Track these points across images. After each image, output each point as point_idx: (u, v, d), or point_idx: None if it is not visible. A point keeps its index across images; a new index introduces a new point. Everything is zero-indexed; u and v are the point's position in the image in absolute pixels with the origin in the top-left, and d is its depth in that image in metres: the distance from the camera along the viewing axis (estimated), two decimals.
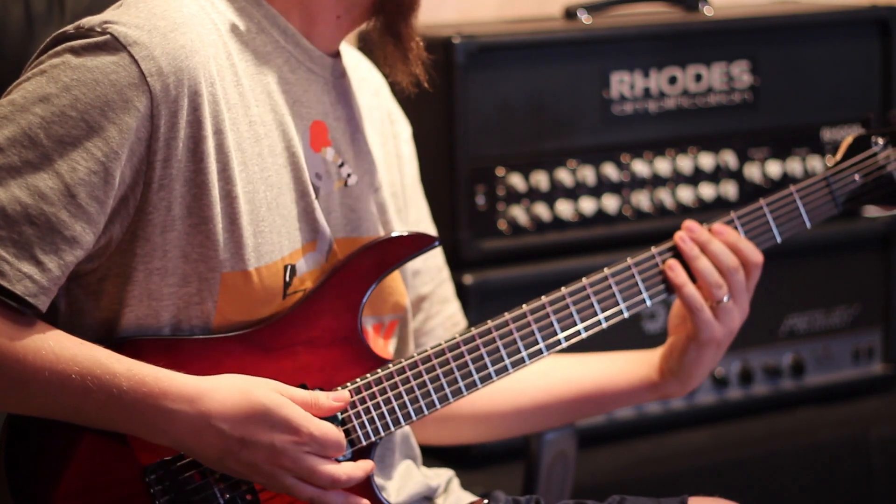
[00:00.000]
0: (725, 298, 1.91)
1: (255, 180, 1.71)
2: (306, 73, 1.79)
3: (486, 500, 1.89)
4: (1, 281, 1.58)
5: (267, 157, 1.73)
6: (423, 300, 2.02)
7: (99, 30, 1.64)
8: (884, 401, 2.93)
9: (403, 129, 2.03)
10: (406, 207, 1.99)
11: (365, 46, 1.87)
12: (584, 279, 1.88)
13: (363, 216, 1.85)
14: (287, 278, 1.74)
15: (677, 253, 1.91)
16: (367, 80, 1.98)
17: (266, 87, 1.74)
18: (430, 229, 2.04)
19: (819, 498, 2.82)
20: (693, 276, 1.91)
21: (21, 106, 1.61)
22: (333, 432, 1.66)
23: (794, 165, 2.83)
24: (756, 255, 1.93)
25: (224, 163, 1.68)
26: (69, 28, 1.66)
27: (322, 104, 1.81)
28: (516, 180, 2.63)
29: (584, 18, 2.78)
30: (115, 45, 1.62)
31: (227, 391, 1.63)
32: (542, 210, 2.65)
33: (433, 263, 2.03)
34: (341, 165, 1.83)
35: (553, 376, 2.02)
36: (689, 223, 1.92)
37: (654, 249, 1.92)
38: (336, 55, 1.84)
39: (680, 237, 1.91)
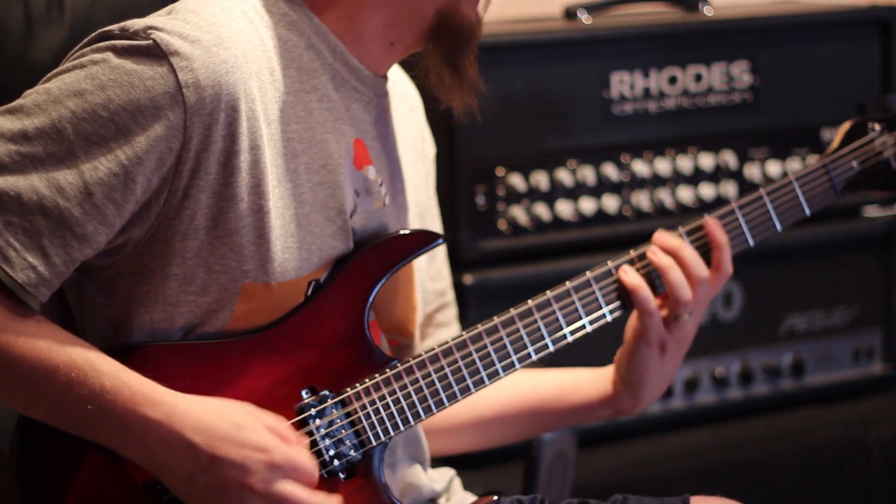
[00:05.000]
0: (686, 316, 1.91)
1: (286, 197, 1.70)
2: (350, 91, 1.78)
3: (495, 497, 1.89)
4: (5, 267, 1.57)
5: (302, 175, 1.72)
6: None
7: (143, 34, 1.62)
8: (884, 401, 2.93)
9: (431, 149, 2.02)
10: (427, 226, 1.98)
11: (420, 72, 1.83)
12: (587, 273, 1.88)
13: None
14: (309, 292, 1.74)
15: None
16: (404, 95, 1.97)
17: (308, 105, 1.73)
18: (440, 251, 2.03)
19: (819, 498, 2.82)
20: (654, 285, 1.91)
21: (55, 97, 1.61)
22: (307, 458, 1.65)
23: (794, 165, 2.83)
24: (728, 269, 1.92)
25: (258, 178, 1.67)
26: (114, 28, 1.65)
27: (363, 122, 1.80)
28: (516, 180, 2.63)
29: (584, 18, 2.78)
30: (156, 51, 1.61)
31: (205, 409, 1.62)
32: (542, 210, 2.65)
33: (432, 287, 2.02)
34: (381, 184, 1.82)
35: (512, 389, 2.01)
36: (659, 234, 1.91)
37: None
38: (384, 76, 1.82)
39: (652, 251, 1.90)
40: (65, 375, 1.58)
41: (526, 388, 2.02)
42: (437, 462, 2.02)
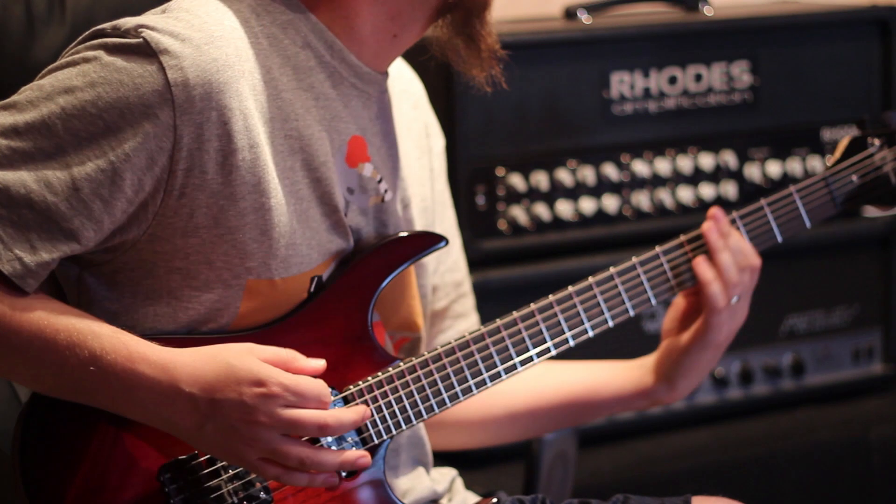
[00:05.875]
0: (735, 299, 1.91)
1: (287, 194, 1.71)
2: (349, 89, 1.78)
3: (494, 500, 1.89)
4: None
5: (299, 171, 1.72)
6: (437, 315, 2.02)
7: (134, 32, 1.63)
8: (884, 401, 2.93)
9: (437, 142, 2.02)
10: (433, 224, 1.98)
11: (435, 51, 1.82)
12: (590, 278, 1.88)
13: (393, 232, 1.84)
14: (312, 288, 1.74)
15: (693, 248, 1.92)
16: (407, 91, 1.97)
17: (304, 103, 1.74)
18: (455, 242, 2.04)
19: (819, 498, 2.82)
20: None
21: (47, 93, 1.62)
22: (308, 381, 1.63)
23: (794, 165, 2.83)
24: (756, 259, 1.94)
25: (259, 176, 1.68)
26: (106, 26, 1.66)
27: (362, 119, 1.80)
28: (516, 180, 2.63)
29: (584, 18, 2.78)
30: (146, 50, 1.62)
31: (198, 357, 1.62)
32: (542, 210, 2.65)
33: (450, 279, 2.03)
34: (380, 181, 1.82)
35: (546, 381, 2.02)
36: (716, 211, 1.93)
37: (658, 249, 1.92)
38: (385, 72, 1.82)
39: (707, 227, 1.91)
40: (66, 339, 1.59)
41: (559, 381, 2.02)
42: (440, 462, 2.02)
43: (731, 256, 1.91)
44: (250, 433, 1.60)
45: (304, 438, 1.63)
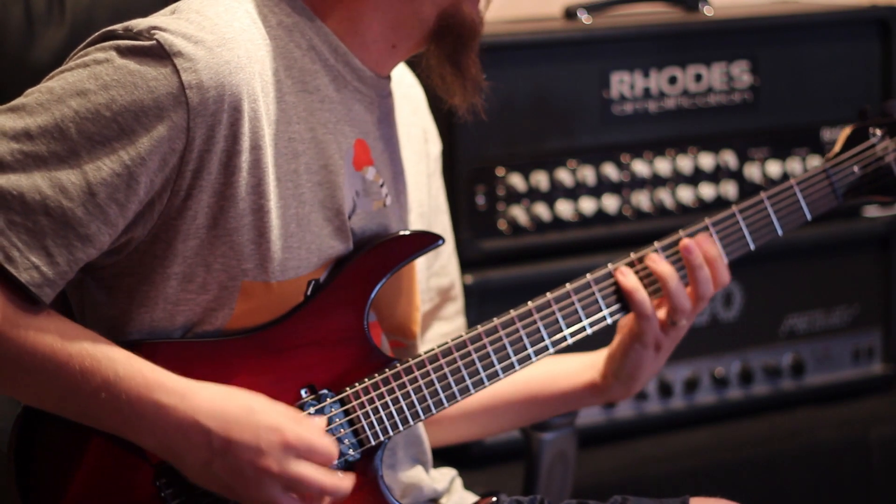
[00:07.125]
0: (684, 321, 1.91)
1: (287, 196, 1.71)
2: (352, 92, 1.78)
3: (494, 499, 1.89)
4: (9, 266, 1.57)
5: (302, 175, 1.72)
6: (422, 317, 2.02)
7: (147, 34, 1.62)
8: (884, 401, 2.93)
9: (434, 147, 2.02)
10: (430, 228, 1.97)
11: (422, 73, 1.84)
12: (588, 275, 1.88)
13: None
14: (309, 292, 1.74)
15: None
16: (408, 96, 1.97)
17: (309, 105, 1.74)
18: (447, 247, 2.03)
19: (819, 498, 2.82)
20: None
21: (58, 96, 1.60)
22: (321, 437, 1.66)
23: (794, 165, 2.84)
24: (726, 278, 1.92)
25: (259, 178, 1.67)
26: (117, 27, 1.65)
27: (365, 123, 1.80)
28: (516, 180, 2.63)
29: (584, 18, 2.78)
30: (160, 52, 1.61)
31: (217, 392, 1.62)
32: (542, 210, 2.65)
33: (436, 283, 2.02)
34: (382, 185, 1.82)
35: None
36: (688, 245, 1.90)
37: (657, 244, 1.92)
38: (387, 77, 1.83)
39: (651, 259, 1.88)
40: (78, 364, 1.59)
41: (517, 377, 2.01)
42: (439, 462, 2.02)
43: (692, 282, 1.89)
44: (256, 477, 1.62)
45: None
